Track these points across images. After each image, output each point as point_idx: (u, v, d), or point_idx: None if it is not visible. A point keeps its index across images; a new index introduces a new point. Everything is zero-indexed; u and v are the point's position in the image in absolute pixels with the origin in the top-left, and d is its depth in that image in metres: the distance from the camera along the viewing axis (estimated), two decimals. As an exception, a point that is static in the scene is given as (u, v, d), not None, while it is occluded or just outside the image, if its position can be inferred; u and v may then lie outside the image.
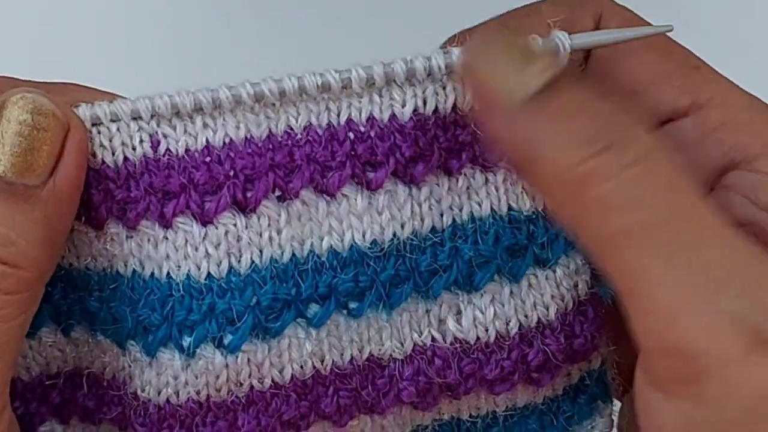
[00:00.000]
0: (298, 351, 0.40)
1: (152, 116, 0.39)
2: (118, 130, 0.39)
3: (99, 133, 0.39)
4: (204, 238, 0.40)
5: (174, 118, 0.39)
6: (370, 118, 0.39)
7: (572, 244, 0.41)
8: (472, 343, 0.41)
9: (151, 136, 0.39)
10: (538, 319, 0.41)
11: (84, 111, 0.39)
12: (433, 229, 0.40)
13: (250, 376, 0.40)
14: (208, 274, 0.40)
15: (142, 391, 0.41)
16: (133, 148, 0.40)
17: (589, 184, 0.36)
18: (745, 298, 0.36)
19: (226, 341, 0.40)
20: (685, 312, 0.36)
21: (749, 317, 0.36)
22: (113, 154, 0.39)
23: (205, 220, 0.40)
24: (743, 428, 0.36)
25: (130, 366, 0.41)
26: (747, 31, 0.66)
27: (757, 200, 0.41)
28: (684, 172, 0.37)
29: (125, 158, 0.40)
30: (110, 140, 0.39)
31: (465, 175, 0.41)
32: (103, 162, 0.39)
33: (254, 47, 0.75)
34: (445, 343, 0.41)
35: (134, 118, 0.39)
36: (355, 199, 0.40)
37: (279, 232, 0.40)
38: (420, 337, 0.41)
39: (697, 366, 0.36)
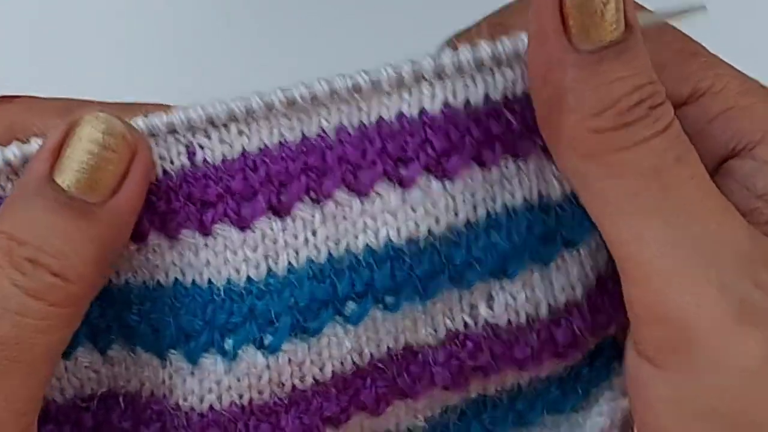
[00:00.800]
0: (337, 348, 0.41)
1: (188, 129, 0.40)
2: (156, 144, 0.40)
3: None
4: (242, 243, 0.41)
5: (209, 128, 0.40)
6: (400, 115, 0.40)
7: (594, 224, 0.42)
8: (503, 326, 0.42)
9: (187, 147, 0.40)
10: (566, 299, 0.42)
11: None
12: (467, 223, 0.41)
13: (291, 375, 0.41)
14: (248, 277, 0.41)
15: (185, 400, 0.41)
16: (171, 162, 0.41)
17: (607, 149, 0.37)
18: (735, 270, 0.37)
19: (266, 342, 0.40)
20: (676, 282, 0.37)
21: (738, 288, 0.37)
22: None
23: (242, 226, 0.40)
24: (732, 400, 0.36)
25: (171, 377, 0.42)
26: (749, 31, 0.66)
27: (754, 188, 0.41)
28: (691, 149, 0.38)
29: (164, 171, 0.40)
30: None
31: (498, 166, 0.41)
32: None
33: (254, 47, 0.75)
34: (477, 327, 0.42)
35: (170, 132, 0.40)
36: (389, 197, 0.40)
37: (314, 233, 0.40)
38: (452, 323, 0.42)
39: (686, 336, 0.37)
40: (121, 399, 0.43)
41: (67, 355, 0.42)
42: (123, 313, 0.42)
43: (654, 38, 0.42)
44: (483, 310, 0.42)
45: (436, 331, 0.42)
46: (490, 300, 0.42)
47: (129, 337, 0.42)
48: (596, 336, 0.44)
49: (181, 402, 0.41)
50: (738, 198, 0.40)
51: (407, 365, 0.42)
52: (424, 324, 0.41)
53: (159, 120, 0.40)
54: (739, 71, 0.43)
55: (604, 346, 0.45)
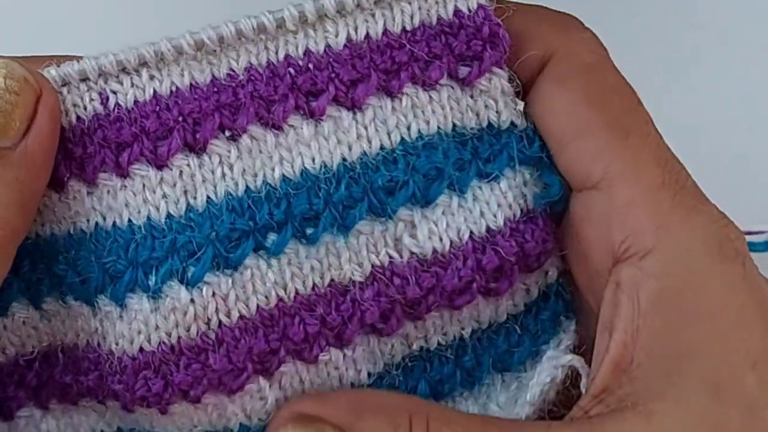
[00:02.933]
0: (261, 281, 0.42)
1: (99, 75, 0.41)
2: (68, 92, 0.41)
3: None
4: (160, 181, 0.42)
5: (121, 75, 0.42)
6: (307, 52, 0.42)
7: (519, 159, 0.44)
8: (429, 255, 0.43)
9: (100, 94, 0.42)
10: (487, 226, 0.43)
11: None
12: (382, 148, 0.43)
13: (216, 310, 0.41)
14: (168, 213, 0.42)
15: (116, 345, 0.42)
16: (84, 108, 0.42)
17: None
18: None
19: (189, 274, 0.41)
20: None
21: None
22: (66, 115, 0.41)
23: (159, 164, 0.42)
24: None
25: (101, 324, 0.42)
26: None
27: (639, 304, 0.42)
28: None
29: (78, 118, 0.41)
30: (62, 102, 0.41)
31: (407, 95, 0.43)
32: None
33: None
34: (402, 259, 0.43)
35: (82, 80, 0.41)
36: (302, 128, 0.42)
37: (231, 167, 0.42)
38: (377, 257, 0.42)
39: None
40: (60, 353, 0.44)
41: (3, 311, 0.43)
42: (52, 264, 0.43)
43: (591, 101, 0.43)
44: (407, 241, 0.43)
45: (361, 266, 0.42)
46: (413, 229, 0.43)
47: (59, 287, 0.43)
48: (526, 268, 0.44)
49: (113, 347, 0.42)
50: (625, 311, 0.41)
51: (336, 304, 0.43)
52: (348, 260, 0.42)
53: (71, 68, 0.41)
54: (663, 156, 0.43)
55: (549, 297, 0.46)
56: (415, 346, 0.45)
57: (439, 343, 0.45)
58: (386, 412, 0.41)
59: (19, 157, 0.39)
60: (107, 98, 0.41)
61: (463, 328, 0.45)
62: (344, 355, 0.43)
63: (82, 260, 0.42)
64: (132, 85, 0.42)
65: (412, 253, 0.43)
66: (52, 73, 0.41)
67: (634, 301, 0.41)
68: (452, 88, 0.43)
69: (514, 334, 0.46)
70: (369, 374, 0.44)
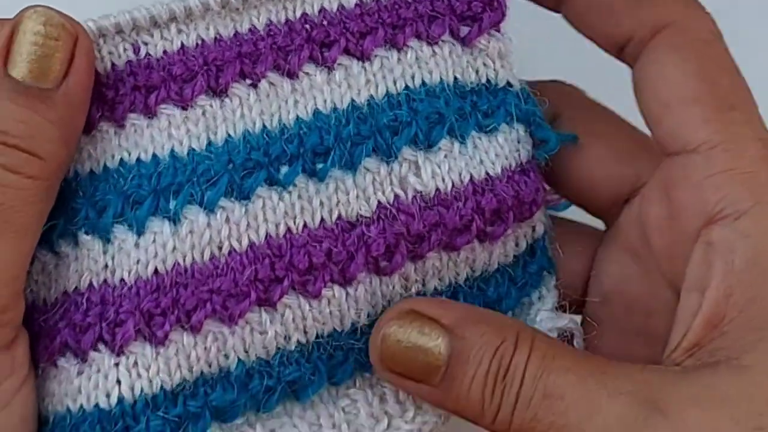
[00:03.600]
0: (272, 211, 0.45)
1: (133, 28, 0.45)
2: (104, 42, 0.45)
3: None
4: (185, 119, 0.45)
5: (152, 28, 0.46)
6: (322, 10, 0.47)
7: (514, 115, 0.48)
8: (432, 194, 0.46)
9: (132, 44, 0.45)
10: (486, 172, 0.47)
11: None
12: (387, 94, 0.47)
13: (229, 235, 0.44)
14: (190, 147, 0.45)
15: (128, 272, 0.44)
16: (119, 56, 0.45)
17: None
18: None
19: (206, 198, 0.44)
20: None
21: None
22: (102, 61, 0.45)
23: (184, 105, 0.45)
24: None
25: (113, 258, 0.44)
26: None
27: (733, 264, 0.44)
28: None
29: (112, 65, 0.45)
30: (99, 51, 0.45)
31: (412, 48, 0.47)
32: (95, 71, 0.45)
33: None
34: (407, 197, 0.46)
35: (118, 32, 0.45)
36: (315, 75, 0.46)
37: (250, 108, 0.46)
38: (383, 194, 0.46)
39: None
40: (56, 300, 0.45)
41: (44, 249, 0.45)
42: (69, 201, 0.45)
43: (698, 69, 0.45)
44: (411, 179, 0.46)
45: (368, 202, 0.45)
46: (417, 170, 0.46)
47: (72, 225, 0.45)
48: (519, 216, 0.47)
49: (125, 276, 0.44)
50: (722, 269, 0.44)
51: (342, 239, 0.45)
52: (356, 197, 0.45)
53: (108, 21, 0.45)
54: (764, 130, 0.46)
55: (536, 252, 0.49)
56: (413, 290, 0.47)
57: (435, 289, 0.47)
58: (495, 324, 0.44)
59: (61, 98, 0.43)
60: (139, 48, 0.46)
61: (458, 274, 0.48)
62: (347, 294, 0.45)
63: (100, 193, 0.45)
64: (162, 37, 0.46)
65: (416, 191, 0.46)
66: (90, 25, 0.45)
67: (727, 259, 0.43)
68: (453, 44, 0.48)
69: (503, 284, 0.48)
70: (368, 315, 0.46)
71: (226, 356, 0.45)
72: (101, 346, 0.44)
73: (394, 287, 0.47)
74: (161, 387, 0.44)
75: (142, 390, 0.44)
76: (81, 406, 0.44)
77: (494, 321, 0.45)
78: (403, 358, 0.44)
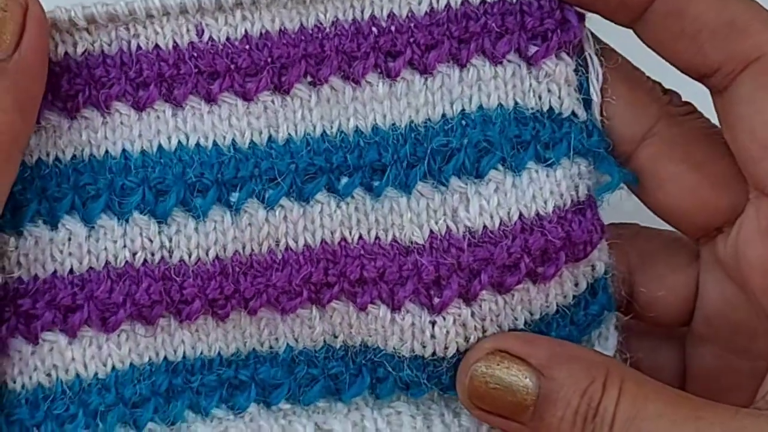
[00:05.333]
0: (329, 218, 0.45)
1: (198, 10, 0.44)
2: (167, 21, 0.44)
3: (152, 23, 0.44)
4: (247, 111, 0.45)
5: (216, 12, 0.45)
6: (390, 15, 0.46)
7: (577, 150, 0.46)
8: (480, 231, 0.45)
9: (196, 26, 0.45)
10: (537, 211, 0.46)
11: (139, 4, 0.44)
12: (444, 116, 0.46)
13: (286, 233, 0.45)
14: (251, 141, 0.45)
15: (189, 255, 0.45)
16: (182, 36, 0.45)
17: None
18: None
19: (267, 195, 0.44)
20: None
21: None
22: (165, 38, 0.44)
23: (247, 98, 0.45)
24: None
25: (170, 240, 0.45)
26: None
27: None
28: None
29: (175, 45, 0.45)
30: (162, 28, 0.44)
31: (475, 66, 0.46)
32: (157, 45, 0.44)
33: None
34: (458, 232, 0.45)
35: (182, 12, 0.44)
36: (378, 86, 0.46)
37: (310, 111, 0.45)
38: (436, 225, 0.45)
39: None
40: (103, 271, 0.45)
41: (54, 224, 0.45)
42: (118, 180, 0.45)
43: None
44: (462, 213, 0.45)
45: (421, 228, 0.45)
46: (467, 203, 0.45)
47: (125, 203, 0.45)
48: (572, 256, 0.46)
49: (186, 258, 0.45)
50: None
51: (398, 261, 0.45)
52: (410, 221, 0.45)
53: (173, 1, 0.44)
54: None
55: (597, 292, 0.48)
56: (472, 339, 0.46)
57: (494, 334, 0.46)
58: (584, 363, 0.44)
59: (15, 66, 0.42)
60: (202, 31, 0.45)
61: (516, 318, 0.46)
62: (392, 318, 0.46)
63: (158, 176, 0.45)
64: (226, 22, 0.45)
65: (465, 226, 0.45)
66: (156, 2, 0.44)
67: None
68: (518, 66, 0.46)
69: (564, 327, 0.47)
70: (412, 350, 0.46)
71: (277, 339, 0.46)
72: (167, 315, 0.45)
73: (448, 332, 0.46)
74: (219, 353, 0.46)
75: (201, 352, 0.46)
76: (149, 360, 0.46)
77: (583, 359, 0.44)
78: (490, 397, 0.44)
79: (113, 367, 0.46)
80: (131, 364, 0.46)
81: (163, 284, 0.45)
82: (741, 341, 0.48)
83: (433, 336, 0.46)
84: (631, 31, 0.46)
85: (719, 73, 0.45)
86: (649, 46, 0.46)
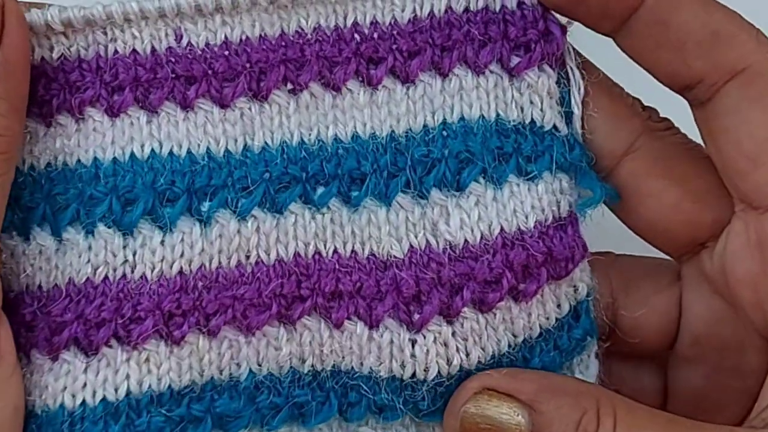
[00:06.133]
0: (303, 230, 0.44)
1: (177, 14, 0.43)
2: (146, 25, 0.43)
3: (130, 27, 0.43)
4: (223, 118, 0.44)
5: (196, 16, 0.44)
6: (374, 22, 0.45)
7: (559, 164, 0.45)
8: (461, 246, 0.44)
9: (175, 31, 0.44)
10: (518, 225, 0.45)
11: (117, 8, 0.43)
12: (425, 126, 0.45)
13: (258, 245, 0.43)
14: (226, 149, 0.44)
15: (152, 270, 0.43)
16: (159, 41, 0.44)
17: None
18: None
19: (239, 205, 0.43)
20: None
21: None
22: (142, 43, 0.43)
23: (223, 103, 0.44)
24: None
25: (134, 253, 0.43)
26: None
27: None
28: None
29: (152, 49, 0.44)
30: (140, 33, 0.43)
31: (457, 76, 0.45)
32: (134, 50, 0.43)
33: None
34: (438, 246, 0.44)
35: (161, 16, 0.43)
36: (358, 94, 0.45)
37: (288, 118, 0.44)
38: (416, 239, 0.44)
39: None
40: (64, 288, 0.44)
41: (26, 235, 0.44)
42: (87, 188, 0.43)
43: None
44: (442, 227, 0.44)
45: (399, 242, 0.44)
46: (447, 217, 0.45)
47: (91, 214, 0.43)
48: (553, 273, 0.46)
49: (148, 273, 0.43)
50: None
51: (376, 275, 0.44)
52: (388, 234, 0.44)
53: (151, 5, 0.43)
54: None
55: (580, 315, 0.47)
56: (455, 362, 0.45)
57: (479, 360, 0.45)
58: (574, 396, 0.43)
59: (1, 69, 0.41)
60: (181, 36, 0.44)
61: (499, 341, 0.45)
62: (370, 336, 0.44)
63: (127, 184, 0.43)
64: (205, 27, 0.44)
65: (446, 240, 0.44)
66: (133, 6, 0.43)
67: None
68: (500, 77, 0.46)
69: (548, 351, 0.46)
70: (390, 371, 0.45)
71: (238, 365, 0.44)
72: (114, 342, 0.43)
73: (428, 351, 0.45)
74: (169, 386, 0.43)
75: (150, 386, 0.43)
76: (83, 402, 0.43)
77: (572, 390, 0.43)
78: None
79: (46, 407, 0.43)
80: (61, 404, 0.43)
81: (117, 302, 0.43)
82: (730, 359, 0.47)
83: (413, 355, 0.44)
84: (607, 48, 0.46)
85: (702, 85, 0.44)
86: (630, 56, 0.46)
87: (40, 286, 0.44)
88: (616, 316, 0.49)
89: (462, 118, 0.45)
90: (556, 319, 0.46)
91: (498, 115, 0.46)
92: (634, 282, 0.49)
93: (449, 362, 0.45)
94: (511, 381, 0.43)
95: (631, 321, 0.48)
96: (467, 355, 0.45)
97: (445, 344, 0.45)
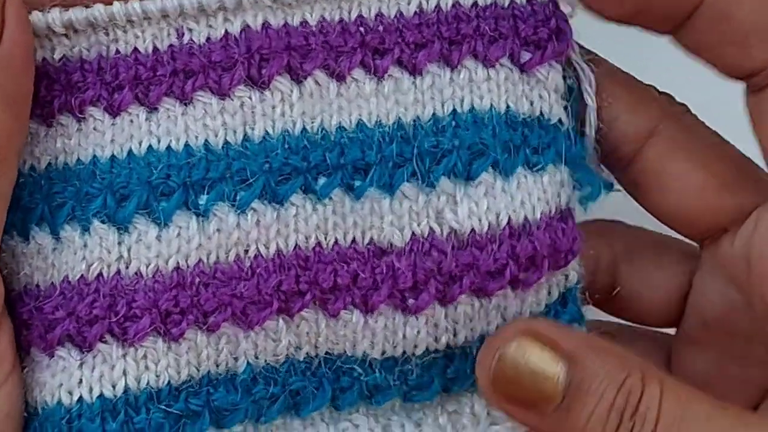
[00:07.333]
0: (304, 221, 0.43)
1: (179, 14, 0.43)
2: (149, 25, 0.43)
3: (133, 27, 0.43)
4: (221, 109, 0.43)
5: (198, 15, 0.44)
6: (379, 15, 0.45)
7: (561, 156, 0.45)
8: (467, 234, 0.44)
9: (177, 30, 0.43)
10: (525, 216, 0.44)
11: (119, 9, 0.43)
12: (434, 116, 0.44)
13: (257, 239, 0.43)
14: (225, 141, 0.43)
15: (148, 266, 0.42)
16: (162, 40, 0.43)
17: None
18: None
19: (238, 198, 0.42)
20: None
21: None
22: (144, 42, 0.43)
23: (222, 94, 0.43)
24: None
25: (129, 250, 0.42)
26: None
27: None
28: None
29: (154, 48, 0.43)
30: (143, 32, 0.43)
31: (467, 68, 0.45)
32: (135, 49, 0.43)
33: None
34: (442, 234, 0.44)
35: (163, 16, 0.43)
36: (364, 83, 0.44)
37: (291, 106, 0.44)
38: (419, 226, 0.44)
39: None
40: (59, 286, 0.43)
41: (25, 235, 0.43)
42: (83, 186, 0.43)
43: None
44: (448, 215, 0.44)
45: (402, 231, 0.44)
46: (454, 205, 0.44)
47: (86, 210, 0.43)
48: (555, 264, 0.45)
49: (143, 269, 0.42)
50: None
51: (372, 265, 0.43)
52: (390, 223, 0.44)
53: (154, 5, 0.43)
54: None
55: (568, 302, 0.46)
56: (443, 340, 0.45)
57: (465, 339, 0.45)
58: (619, 357, 0.41)
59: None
60: (183, 34, 0.44)
61: (489, 323, 0.45)
62: (365, 321, 0.44)
63: (124, 182, 0.43)
64: (207, 25, 0.44)
65: (451, 228, 0.44)
66: (135, 7, 0.43)
67: None
68: (510, 70, 0.45)
69: None
70: (383, 352, 0.44)
71: (236, 359, 0.43)
72: (109, 338, 0.42)
73: (419, 332, 0.44)
74: (168, 382, 0.43)
75: (148, 382, 0.42)
76: (80, 398, 0.42)
77: (617, 352, 0.41)
78: (516, 382, 0.41)
79: (45, 403, 0.43)
80: (59, 401, 0.43)
81: (111, 299, 0.42)
82: (738, 347, 0.46)
83: (404, 336, 0.44)
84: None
85: (763, 74, 0.44)
86: (690, 52, 0.45)
87: (37, 285, 0.43)
88: (615, 281, 0.48)
89: (472, 109, 0.45)
90: (546, 305, 0.46)
91: (508, 107, 0.45)
92: (640, 252, 0.48)
93: (437, 340, 0.44)
94: (556, 330, 0.42)
95: (630, 291, 0.47)
96: (455, 335, 0.44)
97: (436, 325, 0.44)
